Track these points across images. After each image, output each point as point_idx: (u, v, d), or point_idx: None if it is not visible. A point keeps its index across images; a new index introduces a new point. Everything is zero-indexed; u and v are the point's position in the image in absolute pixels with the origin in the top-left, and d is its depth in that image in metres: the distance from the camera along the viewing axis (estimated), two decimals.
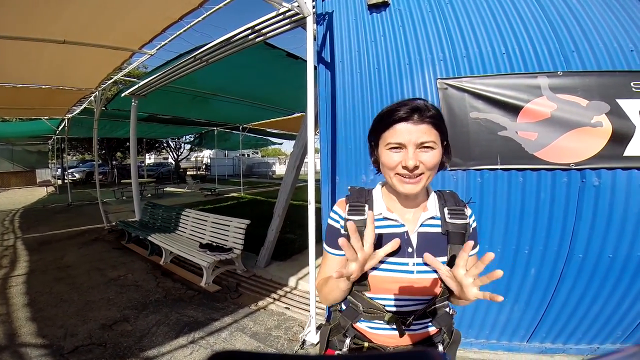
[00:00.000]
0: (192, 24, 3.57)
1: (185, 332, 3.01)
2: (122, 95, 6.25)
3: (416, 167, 0.84)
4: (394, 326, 0.94)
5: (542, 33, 2.34)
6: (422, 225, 0.95)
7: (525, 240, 2.36)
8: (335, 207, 1.03)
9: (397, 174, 0.88)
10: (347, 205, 0.99)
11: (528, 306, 2.46)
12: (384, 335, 0.98)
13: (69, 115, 8.51)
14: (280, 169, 29.68)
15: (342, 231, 0.98)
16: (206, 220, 5.00)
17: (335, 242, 0.94)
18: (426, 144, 0.85)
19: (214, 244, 4.55)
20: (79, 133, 12.57)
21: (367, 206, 0.97)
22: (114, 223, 7.21)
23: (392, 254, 0.88)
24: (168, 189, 16.59)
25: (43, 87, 5.26)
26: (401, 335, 0.94)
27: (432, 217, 0.97)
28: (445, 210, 0.98)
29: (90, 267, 4.81)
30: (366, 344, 0.99)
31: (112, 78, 5.47)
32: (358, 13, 2.93)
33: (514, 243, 2.39)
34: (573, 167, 2.18)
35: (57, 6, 2.85)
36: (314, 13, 2.88)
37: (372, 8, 2.83)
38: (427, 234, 0.95)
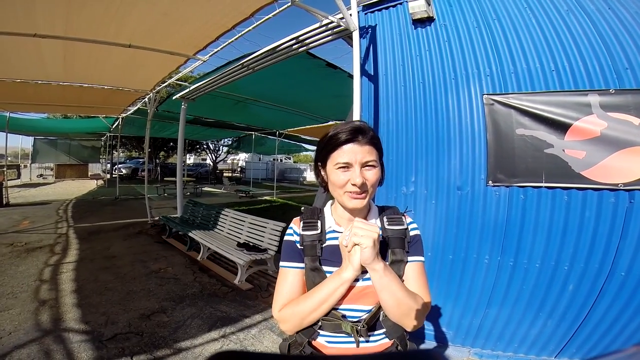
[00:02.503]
0: (242, 32, 3.77)
1: (218, 326, 3.13)
2: (174, 98, 6.63)
3: (363, 184, 0.91)
4: (352, 338, 0.97)
5: (593, 49, 2.29)
6: None
7: (566, 257, 2.31)
8: (291, 225, 1.09)
9: (347, 191, 0.94)
10: (301, 222, 1.06)
11: (562, 321, 2.40)
12: (342, 348, 1.00)
13: (123, 115, 9.15)
14: (311, 176, 29.83)
15: (298, 245, 1.04)
16: (244, 221, 5.17)
17: (293, 255, 1.04)
18: (369, 163, 0.93)
19: (251, 243, 4.70)
20: (130, 131, 13.42)
21: (319, 222, 1.05)
22: (156, 218, 7.61)
23: (341, 265, 0.95)
24: (206, 188, 17.23)
25: (105, 87, 5.72)
26: (357, 345, 0.97)
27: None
28: (384, 219, 1.05)
29: (133, 258, 5.11)
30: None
31: (166, 81, 5.84)
32: (402, 27, 2.99)
33: (554, 259, 2.35)
34: (621, 188, 2.11)
35: (125, 12, 3.13)
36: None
37: (417, 23, 2.89)
38: None
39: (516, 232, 2.43)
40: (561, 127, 2.24)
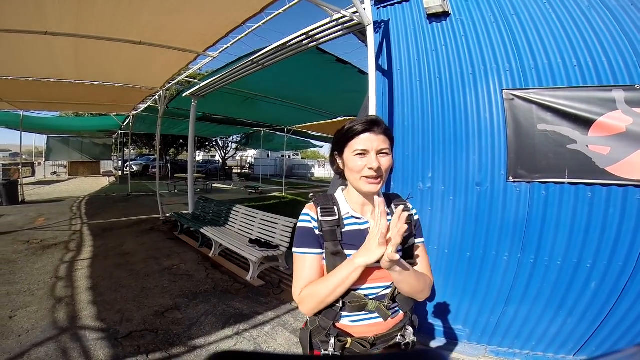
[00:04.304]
0: (252, 28, 3.75)
1: (231, 323, 3.13)
2: (184, 95, 6.65)
3: (379, 169, 1.01)
4: (376, 314, 1.06)
5: (617, 45, 2.23)
6: None
7: (589, 254, 2.28)
8: (305, 211, 1.14)
9: (363, 176, 1.03)
10: (318, 208, 1.12)
11: (582, 319, 2.37)
12: (366, 325, 1.08)
13: (134, 112, 9.23)
14: (319, 172, 29.89)
15: (317, 232, 1.09)
16: (255, 217, 5.18)
17: (310, 241, 1.09)
18: (383, 151, 1.04)
19: (262, 240, 4.71)
20: (141, 129, 13.58)
21: (335, 208, 1.12)
22: (168, 214, 7.67)
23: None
24: (215, 185, 17.35)
25: (116, 85, 5.76)
26: (386, 319, 1.06)
27: (388, 214, 1.09)
28: (393, 206, 1.17)
29: (146, 255, 5.16)
30: (349, 340, 1.06)
31: (176, 79, 5.85)
32: (416, 22, 2.94)
33: (576, 257, 2.31)
34: None
35: (136, 9, 3.12)
36: None
37: (432, 17, 2.84)
38: None
39: (537, 229, 2.39)
40: (585, 123, 2.19)
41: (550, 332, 2.49)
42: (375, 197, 0.98)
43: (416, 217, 1.20)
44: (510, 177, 2.42)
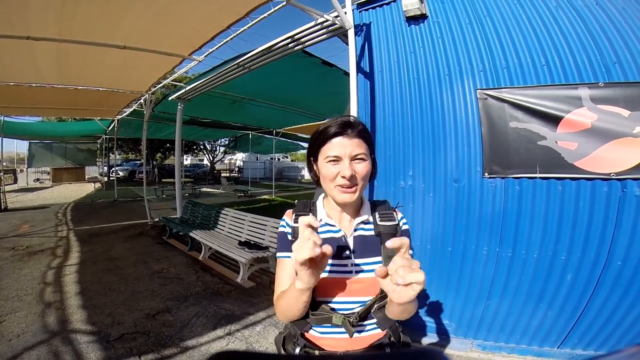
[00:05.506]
0: (238, 32, 3.80)
1: (222, 324, 3.16)
2: (170, 98, 6.62)
3: (353, 177, 0.92)
4: (343, 329, 0.98)
5: (582, 44, 2.35)
6: (356, 229, 1.04)
7: (563, 247, 2.36)
8: (284, 217, 1.11)
9: (337, 185, 0.95)
10: (294, 214, 1.08)
11: (562, 312, 2.45)
12: (335, 339, 1.01)
13: (119, 117, 9.13)
14: (308, 174, 29.94)
15: (290, 237, 1.05)
16: (244, 220, 5.21)
17: (287, 246, 1.04)
18: (359, 156, 0.94)
19: (252, 242, 4.74)
20: (126, 133, 13.41)
21: (311, 214, 1.05)
22: (156, 219, 7.62)
23: (332, 257, 0.96)
24: (204, 189, 17.25)
25: (100, 89, 5.71)
26: (351, 335, 0.97)
27: (366, 222, 1.05)
28: (377, 215, 1.06)
29: (135, 259, 5.13)
30: (317, 352, 1.02)
31: (161, 82, 5.83)
32: (396, 25, 3.03)
33: (551, 249, 2.39)
34: (614, 177, 2.17)
35: (120, 13, 3.13)
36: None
37: (410, 20, 2.92)
38: (362, 236, 1.03)
39: (513, 223, 2.48)
40: (553, 120, 2.29)
41: (532, 325, 2.56)
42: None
43: (404, 227, 1.07)
44: (486, 174, 2.51)
